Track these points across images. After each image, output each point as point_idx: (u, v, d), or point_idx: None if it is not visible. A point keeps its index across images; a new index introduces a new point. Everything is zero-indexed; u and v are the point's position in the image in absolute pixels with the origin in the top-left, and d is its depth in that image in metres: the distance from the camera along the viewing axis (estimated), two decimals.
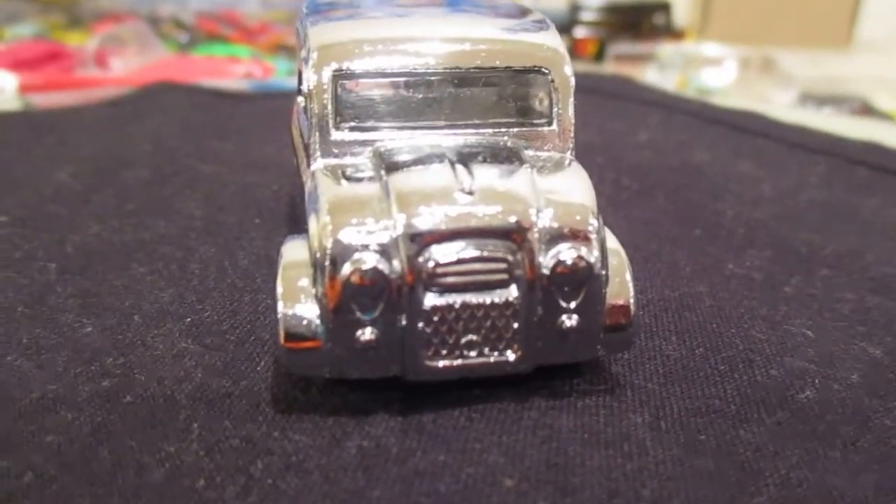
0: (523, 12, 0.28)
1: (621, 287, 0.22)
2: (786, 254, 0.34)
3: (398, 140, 0.24)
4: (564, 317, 0.22)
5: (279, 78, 0.72)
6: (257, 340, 0.25)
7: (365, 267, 0.20)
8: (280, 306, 0.21)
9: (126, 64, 0.76)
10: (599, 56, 1.00)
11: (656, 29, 1.07)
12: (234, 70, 0.75)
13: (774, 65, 0.86)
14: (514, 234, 0.21)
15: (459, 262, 0.21)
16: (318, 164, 0.23)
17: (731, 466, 0.21)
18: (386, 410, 0.22)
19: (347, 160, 0.23)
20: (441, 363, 0.21)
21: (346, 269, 0.20)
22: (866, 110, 0.75)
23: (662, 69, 0.84)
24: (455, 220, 0.21)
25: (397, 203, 0.21)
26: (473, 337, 0.21)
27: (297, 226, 0.22)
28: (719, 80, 0.81)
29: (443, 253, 0.21)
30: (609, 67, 0.89)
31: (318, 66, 0.23)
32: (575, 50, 1.00)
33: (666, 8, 1.08)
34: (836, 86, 0.85)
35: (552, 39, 0.25)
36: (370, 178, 0.22)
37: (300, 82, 0.24)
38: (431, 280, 0.21)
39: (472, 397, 0.22)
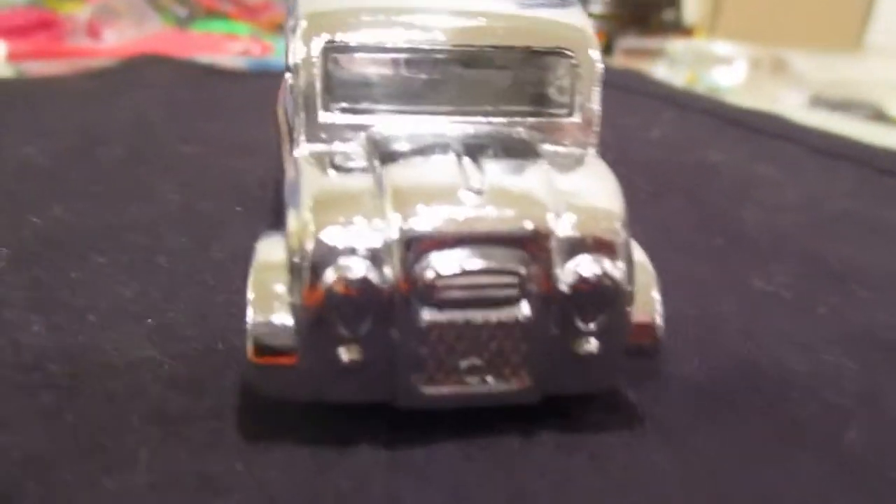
0: None
1: (649, 307, 0.19)
2: (816, 269, 0.31)
3: (397, 126, 0.21)
4: (582, 340, 0.19)
5: (278, 57, 0.69)
6: (227, 350, 0.22)
7: (351, 275, 0.17)
8: (250, 314, 0.18)
9: (120, 36, 0.73)
10: (607, 50, 0.97)
11: (665, 25, 1.04)
12: (230, 47, 0.72)
13: (785, 66, 0.83)
14: (529, 243, 0.18)
15: (463, 273, 0.17)
16: (303, 149, 0.20)
17: None
18: (371, 442, 0.19)
19: (337, 147, 0.20)
20: (437, 389, 0.18)
21: (330, 276, 0.17)
22: (879, 116, 0.72)
23: (672, 65, 0.81)
24: (460, 223, 0.18)
25: (393, 200, 0.18)
26: (475, 360, 0.18)
27: (282, 217, 0.19)
28: (729, 79, 0.78)
29: (444, 262, 0.17)
30: (617, 61, 0.86)
31: (307, 37, 0.20)
32: None
33: (675, 4, 1.05)
34: (846, 89, 0.83)
35: (578, 18, 0.22)
36: (362, 169, 0.19)
37: (287, 57, 0.21)
38: (429, 293, 0.17)
39: (472, 430, 0.19)
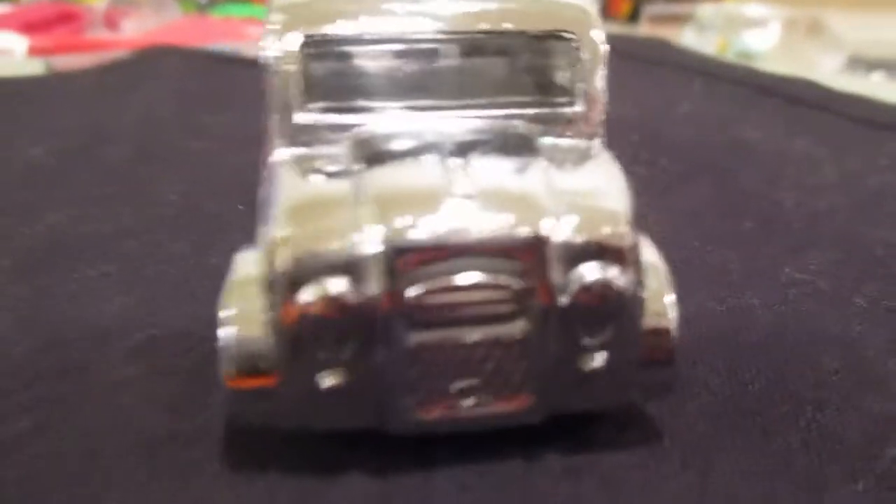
0: None
1: (661, 314, 0.18)
2: (856, 255, 0.28)
3: (383, 124, 0.19)
4: (588, 355, 0.17)
5: None
6: (215, 365, 0.21)
7: (329, 293, 0.16)
8: (223, 334, 0.17)
9: (140, 25, 0.73)
10: (634, 16, 0.93)
11: None
12: (249, 32, 0.71)
13: (822, 27, 0.79)
14: (524, 253, 0.16)
15: (452, 289, 0.16)
16: (279, 154, 0.19)
17: None
18: (360, 470, 0.17)
19: (318, 150, 0.19)
20: (430, 414, 0.17)
21: (307, 295, 0.16)
22: None
23: (701, 31, 0.78)
24: (447, 233, 0.16)
25: (374, 209, 0.16)
26: (471, 381, 0.17)
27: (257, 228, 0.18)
28: (762, 43, 0.74)
29: (432, 276, 0.16)
30: (644, 29, 0.83)
31: (280, 30, 0.19)
32: (607, 10, 0.93)
33: None
34: (885, 49, 0.78)
35: None
36: (342, 175, 0.18)
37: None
38: (417, 311, 0.16)
39: (470, 455, 0.18)
